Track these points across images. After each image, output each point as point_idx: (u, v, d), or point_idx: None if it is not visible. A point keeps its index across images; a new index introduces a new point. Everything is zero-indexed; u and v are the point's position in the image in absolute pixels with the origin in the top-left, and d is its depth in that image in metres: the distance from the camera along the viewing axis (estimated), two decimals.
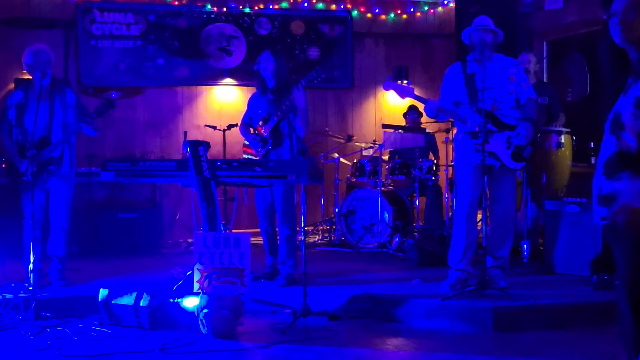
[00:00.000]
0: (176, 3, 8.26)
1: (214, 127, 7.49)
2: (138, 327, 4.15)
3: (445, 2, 8.90)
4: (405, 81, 8.01)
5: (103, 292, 4.23)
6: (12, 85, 7.27)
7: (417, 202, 7.04)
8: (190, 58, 8.30)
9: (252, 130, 5.23)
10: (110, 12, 8.10)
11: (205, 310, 3.93)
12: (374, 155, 7.33)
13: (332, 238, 7.38)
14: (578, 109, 6.87)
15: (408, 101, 7.45)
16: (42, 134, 4.86)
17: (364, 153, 7.65)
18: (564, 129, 5.93)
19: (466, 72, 4.66)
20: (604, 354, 3.60)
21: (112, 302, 4.20)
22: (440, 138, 7.71)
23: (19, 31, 7.73)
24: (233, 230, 5.64)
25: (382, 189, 6.86)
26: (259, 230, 5.35)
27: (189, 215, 6.02)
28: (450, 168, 7.02)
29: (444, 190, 7.24)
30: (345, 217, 7.06)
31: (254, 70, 5.23)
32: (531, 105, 4.71)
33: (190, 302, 4.07)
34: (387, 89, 4.90)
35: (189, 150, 4.13)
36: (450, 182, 6.93)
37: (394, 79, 6.82)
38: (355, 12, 8.77)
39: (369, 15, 8.85)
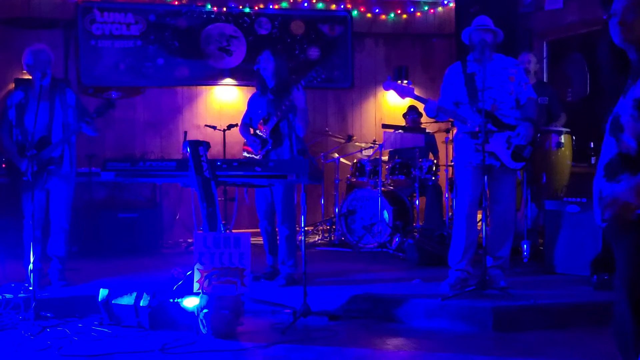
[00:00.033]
0: (176, 3, 8.26)
1: (214, 127, 7.49)
2: (138, 327, 4.15)
3: (445, 2, 8.91)
4: (405, 81, 8.00)
5: (103, 292, 4.23)
6: (12, 85, 7.27)
7: (417, 202, 7.04)
8: (190, 58, 8.30)
9: (252, 130, 5.23)
10: (110, 12, 8.10)
11: (205, 310, 3.93)
12: (374, 155, 7.33)
13: (332, 238, 7.39)
14: (578, 109, 6.87)
15: (408, 101, 7.45)
16: (42, 134, 4.87)
17: (364, 153, 7.65)
18: (563, 129, 5.93)
19: (466, 72, 4.66)
20: (604, 354, 3.60)
21: (112, 302, 4.20)
22: (440, 138, 7.71)
23: (19, 31, 7.73)
24: (233, 230, 5.64)
25: (382, 189, 6.86)
26: (259, 230, 5.35)
27: (189, 215, 6.01)
28: (450, 168, 7.02)
29: (444, 190, 7.24)
30: (345, 217, 7.06)
31: (253, 70, 5.23)
32: (531, 106, 4.71)
33: (190, 302, 4.08)
34: (387, 89, 4.90)
35: (189, 150, 4.13)
36: (450, 182, 6.93)
37: (394, 79, 6.83)
38: (355, 12, 8.77)
39: (369, 15, 8.85)
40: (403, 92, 4.85)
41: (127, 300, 4.17)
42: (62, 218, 5.00)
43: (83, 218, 6.69)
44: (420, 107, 5.44)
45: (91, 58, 8.04)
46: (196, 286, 3.99)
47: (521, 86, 4.69)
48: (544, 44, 7.80)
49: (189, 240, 7.34)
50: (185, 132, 6.44)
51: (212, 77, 8.43)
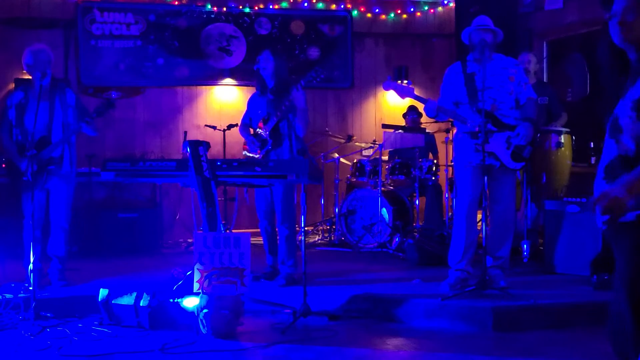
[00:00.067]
0: (176, 3, 8.26)
1: (214, 127, 7.49)
2: (138, 327, 4.15)
3: (445, 2, 8.91)
4: (405, 81, 8.01)
5: (103, 292, 4.23)
6: (12, 85, 7.27)
7: (417, 202, 7.04)
8: (190, 58, 8.30)
9: (251, 130, 5.23)
10: (110, 12, 8.10)
11: (205, 310, 3.93)
12: (374, 155, 7.33)
13: (332, 238, 7.38)
14: (578, 109, 6.86)
15: (408, 101, 7.45)
16: (42, 134, 4.87)
17: (364, 153, 7.65)
18: (563, 129, 5.93)
19: (466, 72, 4.66)
20: (604, 354, 3.58)
21: (112, 302, 4.20)
22: (440, 138, 7.71)
23: (19, 31, 7.73)
24: (233, 230, 5.64)
25: (382, 189, 6.86)
26: (259, 230, 5.35)
27: (189, 215, 6.02)
28: (450, 168, 7.02)
29: (444, 190, 7.24)
30: (345, 217, 7.06)
31: (253, 70, 5.23)
32: (531, 106, 4.72)
33: (190, 302, 4.08)
34: (387, 89, 4.90)
35: (189, 150, 4.13)
36: (450, 182, 6.93)
37: (394, 79, 6.83)
38: (355, 12, 8.77)
39: (369, 15, 8.85)
40: (403, 92, 4.85)
41: (127, 300, 4.17)
42: (62, 218, 5.00)
43: (83, 218, 6.69)
44: (420, 107, 5.43)
45: (91, 58, 8.04)
46: (196, 286, 3.99)
47: (521, 86, 4.69)
48: (544, 44, 7.80)
49: (189, 240, 7.34)
50: (185, 132, 6.46)
51: (212, 77, 8.43)
